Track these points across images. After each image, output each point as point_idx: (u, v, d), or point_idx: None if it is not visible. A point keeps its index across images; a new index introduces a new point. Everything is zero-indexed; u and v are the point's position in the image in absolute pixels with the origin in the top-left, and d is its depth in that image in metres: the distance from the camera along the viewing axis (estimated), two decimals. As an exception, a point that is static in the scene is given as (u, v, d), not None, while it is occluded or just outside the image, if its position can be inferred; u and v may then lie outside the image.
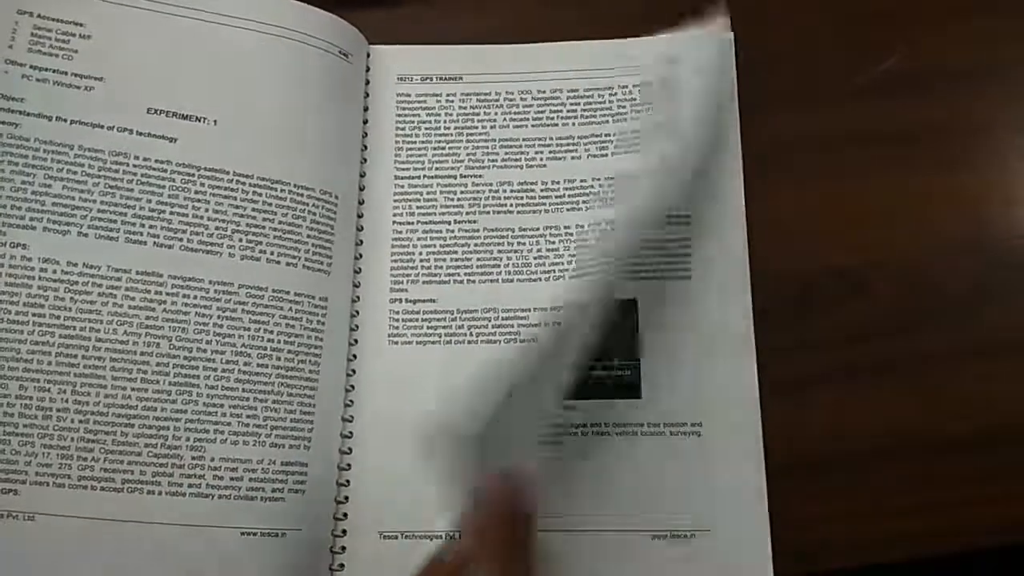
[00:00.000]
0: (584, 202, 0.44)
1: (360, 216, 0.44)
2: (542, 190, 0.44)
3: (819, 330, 0.42)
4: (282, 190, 0.41)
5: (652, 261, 0.43)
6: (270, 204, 0.41)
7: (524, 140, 0.45)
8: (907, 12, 0.46)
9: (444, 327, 0.42)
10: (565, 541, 0.40)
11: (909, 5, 0.47)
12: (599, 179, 0.44)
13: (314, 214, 0.42)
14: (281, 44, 0.43)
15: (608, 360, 0.41)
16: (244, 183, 0.41)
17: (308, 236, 0.41)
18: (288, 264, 0.41)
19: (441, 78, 0.46)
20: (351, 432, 0.41)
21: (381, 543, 0.40)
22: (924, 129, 0.45)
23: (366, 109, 0.45)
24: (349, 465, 0.41)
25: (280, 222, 0.41)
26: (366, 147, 0.45)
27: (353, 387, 0.41)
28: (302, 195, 0.42)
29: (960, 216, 0.44)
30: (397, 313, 0.43)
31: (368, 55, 0.46)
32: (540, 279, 0.43)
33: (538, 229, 0.44)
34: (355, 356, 0.42)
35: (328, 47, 0.44)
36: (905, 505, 0.40)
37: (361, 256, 0.43)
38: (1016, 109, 0.45)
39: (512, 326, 0.42)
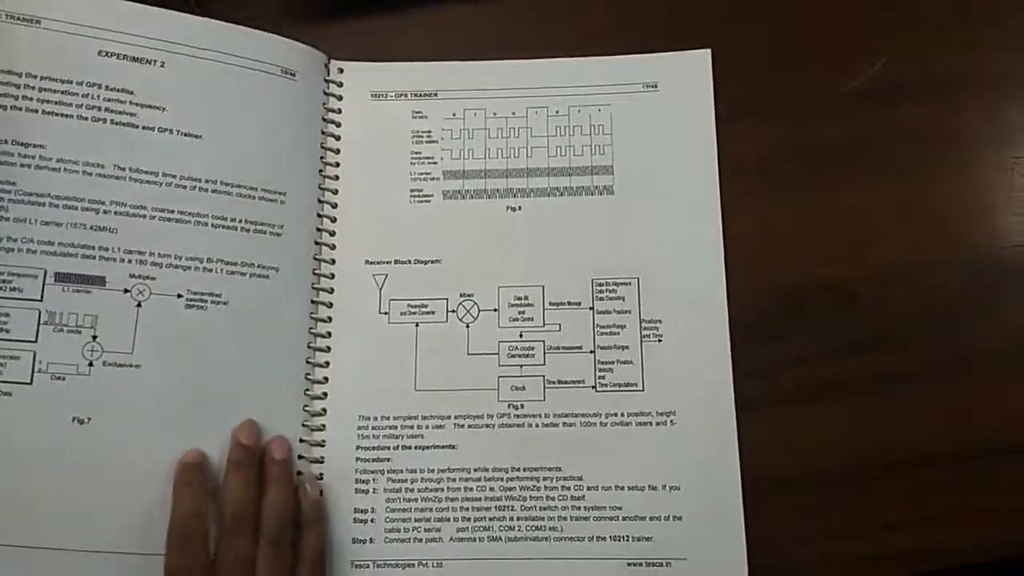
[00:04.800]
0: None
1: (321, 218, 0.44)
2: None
3: (803, 345, 0.42)
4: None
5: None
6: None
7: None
8: (888, 22, 0.46)
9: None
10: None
11: (889, 15, 0.46)
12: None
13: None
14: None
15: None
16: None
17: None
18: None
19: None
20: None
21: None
22: (907, 139, 0.44)
23: (338, 125, 0.45)
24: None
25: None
26: (336, 159, 0.45)
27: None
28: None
29: (946, 227, 0.43)
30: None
31: (341, 71, 0.46)
32: None
33: None
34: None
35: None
36: (885, 522, 0.39)
37: (335, 248, 0.44)
38: (1000, 119, 0.45)
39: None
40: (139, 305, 0.40)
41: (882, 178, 0.44)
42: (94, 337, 0.39)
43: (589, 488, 0.40)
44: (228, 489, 0.38)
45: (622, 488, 0.40)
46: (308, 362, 0.42)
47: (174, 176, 0.42)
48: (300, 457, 0.40)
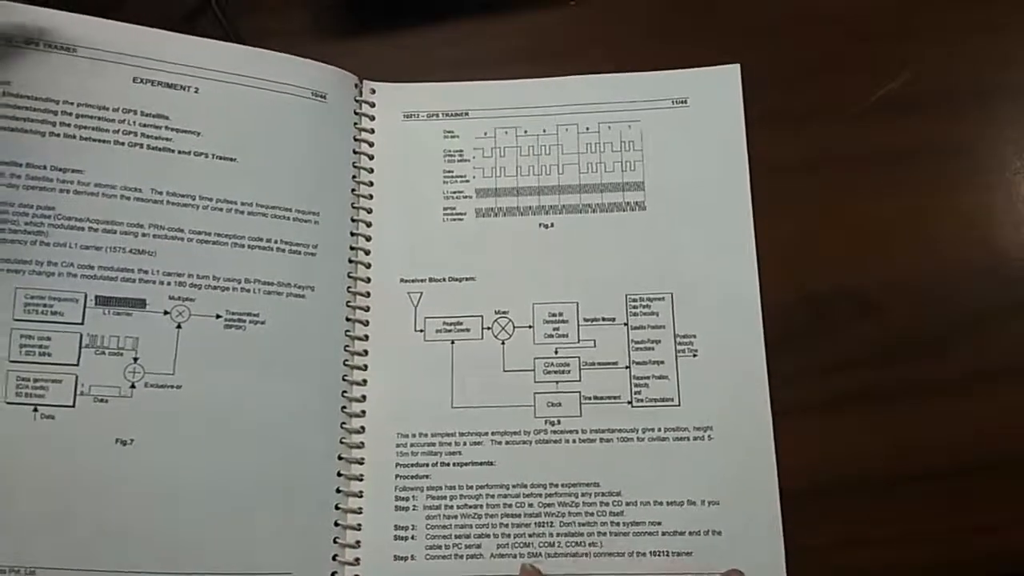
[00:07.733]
0: None
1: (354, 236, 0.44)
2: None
3: (833, 355, 0.42)
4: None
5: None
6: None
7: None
8: (912, 33, 0.46)
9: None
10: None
11: (914, 26, 0.46)
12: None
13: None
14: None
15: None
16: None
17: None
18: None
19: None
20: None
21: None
22: (931, 149, 0.44)
23: (370, 144, 0.45)
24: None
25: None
26: (369, 179, 0.45)
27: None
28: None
29: (972, 236, 0.43)
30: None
31: (373, 91, 0.46)
32: None
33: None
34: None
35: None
36: (923, 532, 0.39)
37: (370, 266, 0.44)
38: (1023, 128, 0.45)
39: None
40: (179, 327, 0.41)
41: (909, 187, 0.44)
42: (135, 359, 0.40)
43: (628, 504, 0.40)
44: None
45: (661, 503, 0.40)
46: (345, 379, 0.42)
47: (210, 199, 0.42)
48: (339, 475, 0.41)
